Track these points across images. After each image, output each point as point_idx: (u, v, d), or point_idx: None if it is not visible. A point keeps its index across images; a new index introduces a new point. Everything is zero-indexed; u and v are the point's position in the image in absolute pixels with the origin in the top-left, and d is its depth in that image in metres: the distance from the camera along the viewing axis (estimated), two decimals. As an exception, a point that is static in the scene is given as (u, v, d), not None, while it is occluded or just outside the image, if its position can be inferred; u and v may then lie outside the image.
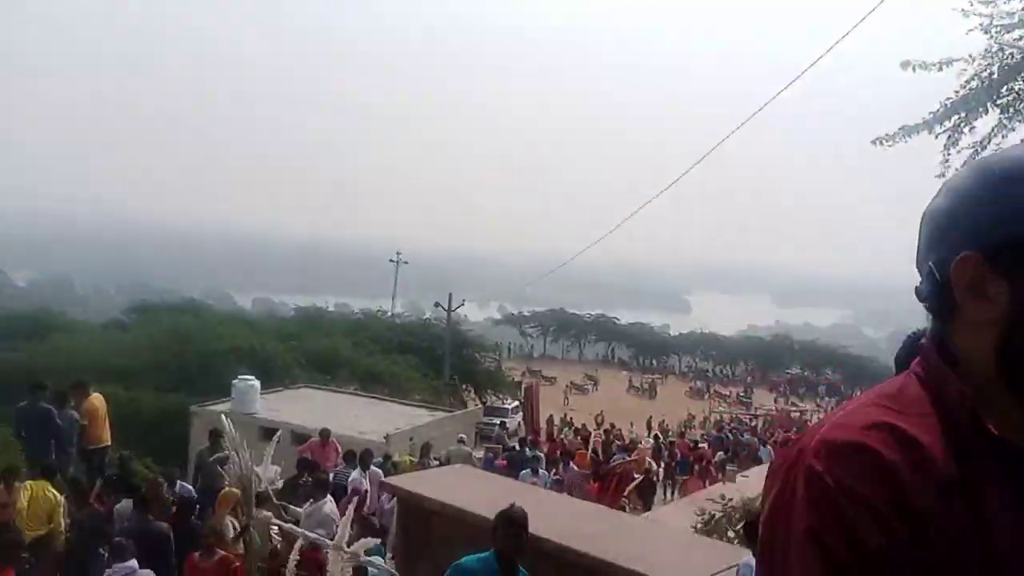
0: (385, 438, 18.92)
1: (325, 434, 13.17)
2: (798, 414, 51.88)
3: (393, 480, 5.81)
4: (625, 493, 11.58)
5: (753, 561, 3.30)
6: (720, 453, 19.77)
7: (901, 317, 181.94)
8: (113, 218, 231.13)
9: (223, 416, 9.19)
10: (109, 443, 11.05)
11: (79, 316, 53.33)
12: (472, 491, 5.31)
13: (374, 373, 37.22)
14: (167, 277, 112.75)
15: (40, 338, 37.20)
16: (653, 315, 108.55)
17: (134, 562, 7.01)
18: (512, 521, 4.18)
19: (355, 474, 11.45)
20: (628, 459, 12.74)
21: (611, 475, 11.06)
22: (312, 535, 7.06)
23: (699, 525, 8.93)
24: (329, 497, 8.76)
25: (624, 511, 10.60)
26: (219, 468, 8.87)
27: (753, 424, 45.42)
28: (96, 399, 10.69)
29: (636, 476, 12.36)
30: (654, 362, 78.45)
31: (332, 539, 8.29)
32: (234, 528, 8.14)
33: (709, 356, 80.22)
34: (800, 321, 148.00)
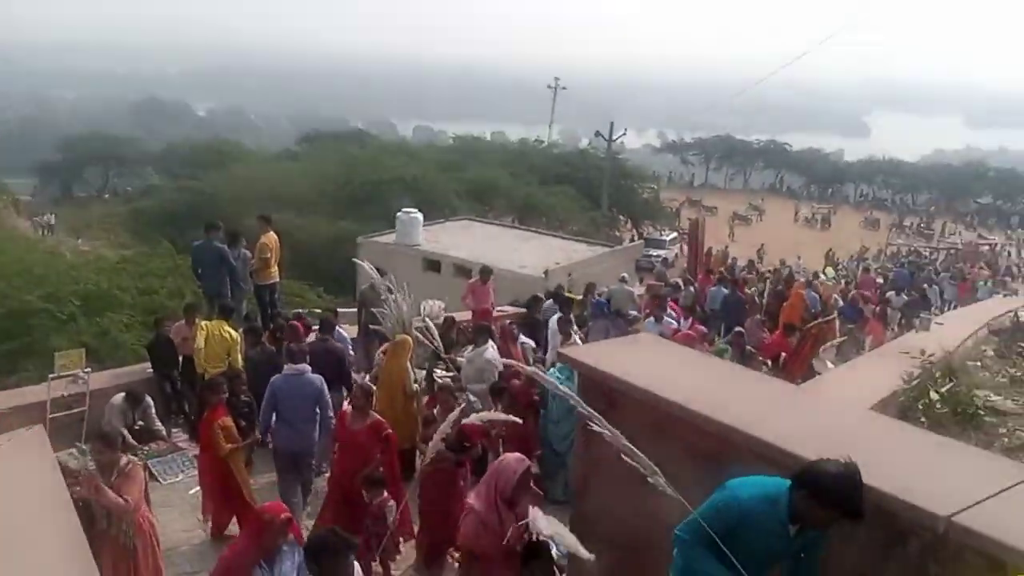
0: (544, 273, 18.81)
1: (486, 273, 12.93)
2: (986, 247, 47.46)
3: (571, 352, 5.29)
4: (820, 353, 10.69)
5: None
6: (901, 295, 18.10)
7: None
8: (282, 49, 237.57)
9: (361, 263, 9.02)
10: (279, 280, 11.35)
11: (254, 146, 56.09)
12: (664, 371, 4.74)
13: (531, 204, 37.14)
14: (334, 107, 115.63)
15: (219, 167, 39.54)
16: (827, 139, 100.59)
17: (305, 366, 7.26)
18: (858, 516, 2.88)
19: (554, 320, 10.86)
20: (825, 320, 11.71)
21: (807, 336, 10.17)
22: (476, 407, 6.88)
23: (903, 388, 8.04)
24: (491, 343, 8.55)
25: (816, 373, 9.86)
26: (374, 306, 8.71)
27: (934, 257, 42.12)
28: (269, 238, 10.89)
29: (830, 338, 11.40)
30: (828, 190, 73.66)
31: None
32: (415, 378, 8.11)
33: (888, 184, 74.22)
34: (995, 145, 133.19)
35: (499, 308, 13.41)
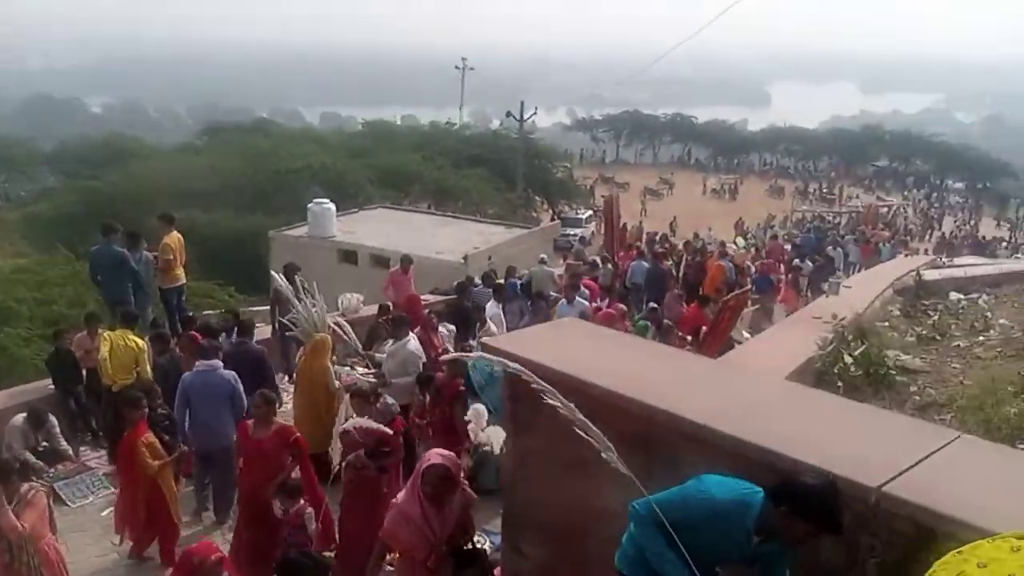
0: (464, 259, 18.65)
1: (407, 261, 12.70)
2: (886, 209, 49.65)
3: (493, 341, 5.16)
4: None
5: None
6: (808, 261, 18.69)
7: (995, 99, 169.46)
8: (178, 38, 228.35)
9: (274, 274, 8.77)
10: (185, 281, 10.88)
11: (153, 141, 53.84)
12: (588, 355, 4.67)
13: (446, 188, 36.88)
14: (237, 97, 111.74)
15: (117, 165, 37.80)
16: (731, 111, 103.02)
17: (217, 362, 7.13)
18: (838, 530, 2.83)
19: (491, 306, 10.86)
20: (742, 291, 11.91)
21: (725, 308, 10.30)
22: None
23: (818, 354, 8.24)
24: (412, 335, 8.37)
25: (734, 344, 10.02)
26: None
27: (837, 221, 43.81)
28: (172, 238, 10.42)
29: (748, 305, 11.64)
30: (734, 161, 75.61)
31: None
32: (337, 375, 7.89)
33: (791, 152, 76.69)
34: (888, 109, 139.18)
35: (424, 297, 13.21)
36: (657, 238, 23.02)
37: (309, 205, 22.81)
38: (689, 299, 12.89)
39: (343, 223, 23.30)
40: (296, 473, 6.07)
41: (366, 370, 8.43)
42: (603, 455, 3.21)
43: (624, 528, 3.95)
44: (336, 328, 8.04)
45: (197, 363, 7.13)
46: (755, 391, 4.40)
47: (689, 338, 10.40)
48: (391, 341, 8.40)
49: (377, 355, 8.70)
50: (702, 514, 2.97)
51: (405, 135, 49.79)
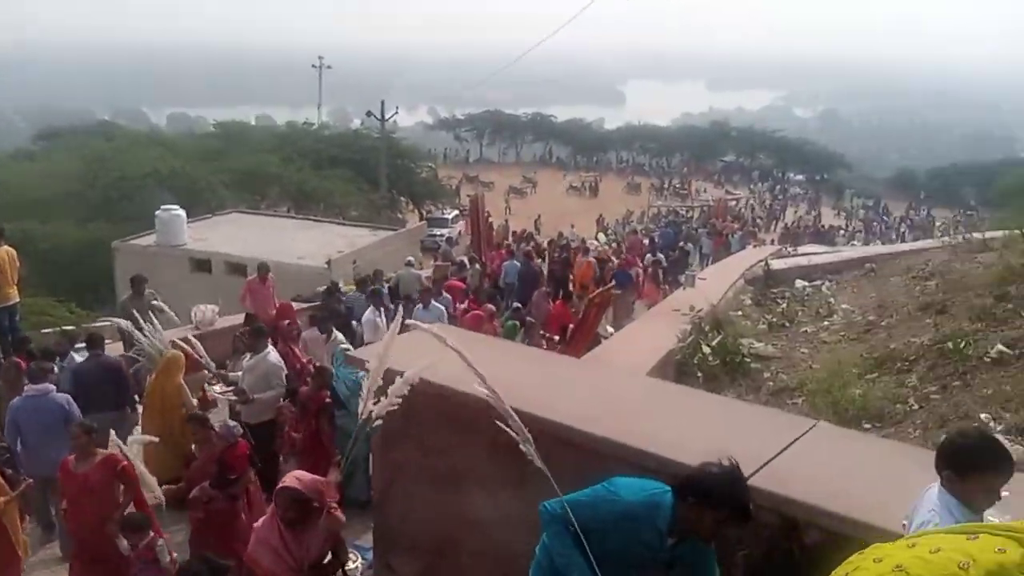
0: (327, 264, 18.09)
1: (264, 269, 12.16)
2: (734, 202, 52.44)
3: (360, 353, 4.95)
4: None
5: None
6: (668, 254, 19.40)
7: (831, 95, 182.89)
8: (10, 40, 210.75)
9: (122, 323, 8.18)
10: (18, 299, 9.97)
11: (-19, 147, 49.46)
12: (460, 361, 4.54)
13: (306, 190, 35.85)
14: (76, 99, 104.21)
15: (-61, 174, 34.47)
16: (588, 110, 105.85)
17: (48, 385, 6.72)
18: (745, 519, 2.82)
19: (368, 313, 10.40)
20: (607, 287, 12.13)
21: (591, 305, 10.44)
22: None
23: (679, 346, 8.49)
24: (271, 347, 7.99)
25: (600, 339, 10.17)
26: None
27: (691, 215, 45.82)
28: (2, 252, 9.51)
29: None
30: (593, 159, 77.65)
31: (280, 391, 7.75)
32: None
33: (646, 149, 79.61)
34: (734, 106, 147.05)
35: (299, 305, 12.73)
36: (523, 236, 23.30)
37: (157, 212, 21.51)
38: (556, 296, 13.06)
39: (195, 230, 22.12)
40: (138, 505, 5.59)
41: (226, 387, 7.97)
42: (521, 447, 3.09)
43: (498, 539, 3.88)
44: (186, 344, 7.56)
45: (26, 387, 6.64)
46: (622, 390, 4.45)
47: (556, 338, 10.51)
48: (248, 355, 7.98)
49: (231, 373, 8.23)
50: (611, 517, 2.92)
51: (261, 136, 48.06)
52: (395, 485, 4.59)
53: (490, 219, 34.22)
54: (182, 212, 21.54)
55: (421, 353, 4.74)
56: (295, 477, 4.03)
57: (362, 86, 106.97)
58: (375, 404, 3.77)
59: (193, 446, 6.31)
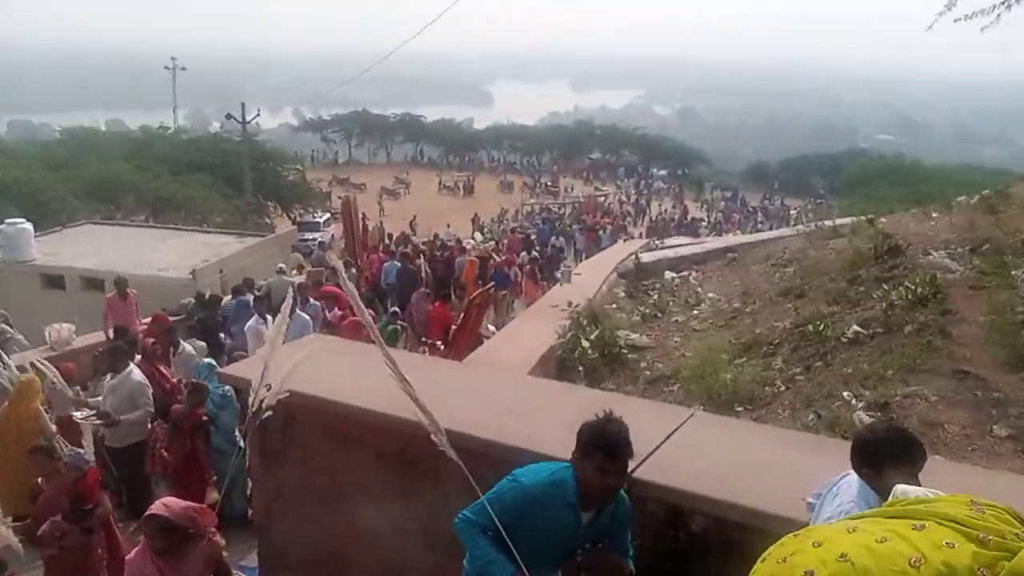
0: (192, 274, 17.23)
1: (122, 284, 11.45)
2: (603, 198, 53.83)
3: (232, 369, 4.71)
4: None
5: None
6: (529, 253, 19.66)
7: (687, 92, 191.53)
8: None
9: None
10: None
11: None
12: (339, 372, 4.41)
13: (165, 198, 34.10)
14: None
15: None
16: (457, 110, 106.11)
17: None
18: (617, 454, 2.81)
19: (252, 322, 9.88)
20: (487, 288, 12.10)
21: (472, 306, 10.39)
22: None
23: (559, 342, 8.62)
24: (133, 365, 7.53)
25: (482, 341, 10.16)
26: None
27: (563, 212, 46.71)
28: None
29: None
30: (464, 159, 77.83)
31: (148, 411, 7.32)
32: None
33: (516, 148, 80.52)
34: (597, 105, 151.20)
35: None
36: (399, 238, 23.05)
37: (0, 226, 19.87)
38: (436, 297, 13.00)
39: (44, 244, 20.55)
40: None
41: (89, 411, 7.43)
42: (433, 437, 2.99)
43: (388, 551, 3.80)
44: (39, 367, 7.02)
45: None
46: (506, 392, 4.45)
47: (440, 343, 10.43)
48: (110, 376, 7.48)
49: (91, 399, 7.69)
50: (519, 504, 2.89)
51: (113, 142, 45.31)
52: (278, 503, 4.42)
53: (367, 221, 33.79)
54: (28, 225, 19.96)
55: (300, 365, 4.59)
56: (163, 504, 3.79)
57: (221, 88, 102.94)
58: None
59: (40, 479, 5.82)
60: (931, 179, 38.66)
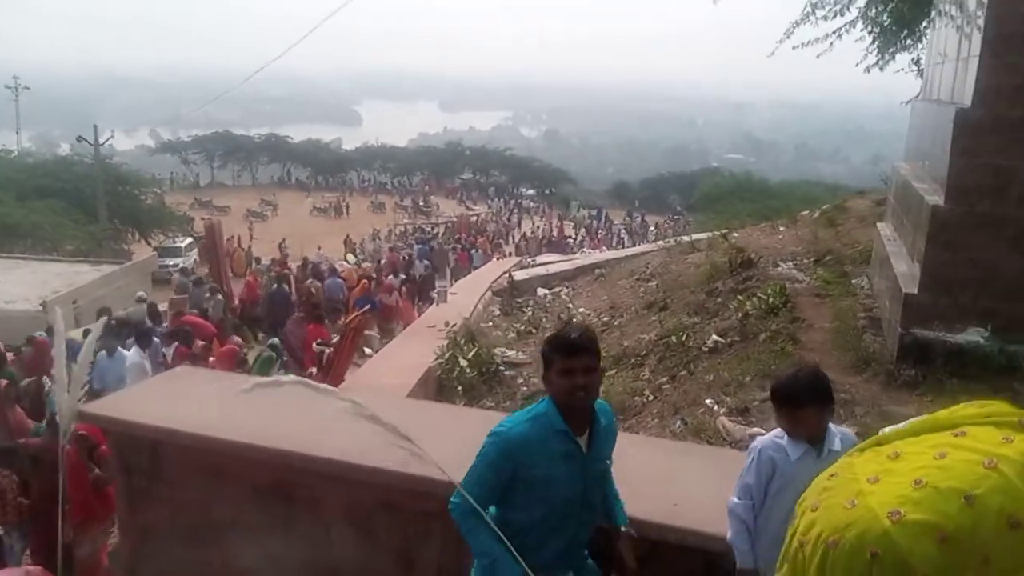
0: (42, 306, 16.11)
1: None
2: (475, 218, 54.28)
3: (93, 407, 4.47)
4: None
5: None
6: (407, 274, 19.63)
7: (551, 115, 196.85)
8: None
9: None
10: None
11: None
12: (209, 406, 4.26)
13: (9, 225, 31.66)
14: None
15: None
16: (324, 130, 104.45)
17: None
18: (573, 349, 2.69)
19: (133, 353, 9.10)
20: (362, 311, 11.91)
21: (348, 330, 10.20)
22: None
23: (437, 362, 8.65)
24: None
25: (359, 364, 10.03)
26: None
27: (436, 232, 46.73)
28: None
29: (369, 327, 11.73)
30: (334, 179, 76.51)
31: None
32: None
33: (386, 168, 79.95)
34: (466, 126, 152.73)
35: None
36: (267, 261, 22.44)
37: None
38: (310, 319, 12.74)
39: None
40: None
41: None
42: (403, 445, 2.80)
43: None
44: None
45: None
46: (385, 417, 4.44)
47: (314, 370, 10.22)
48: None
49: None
50: (508, 454, 2.72)
51: (-55, 167, 41.80)
52: (148, 547, 4.22)
53: (239, 244, 32.57)
54: None
55: (169, 401, 4.43)
56: (23, 571, 3.57)
57: (69, 109, 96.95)
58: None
59: None
60: (777, 195, 41.22)
